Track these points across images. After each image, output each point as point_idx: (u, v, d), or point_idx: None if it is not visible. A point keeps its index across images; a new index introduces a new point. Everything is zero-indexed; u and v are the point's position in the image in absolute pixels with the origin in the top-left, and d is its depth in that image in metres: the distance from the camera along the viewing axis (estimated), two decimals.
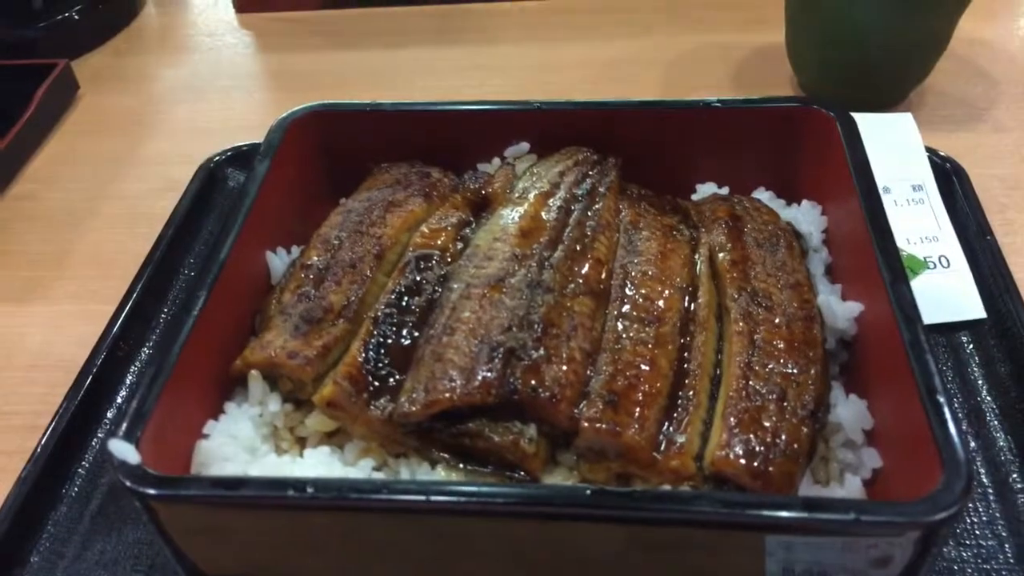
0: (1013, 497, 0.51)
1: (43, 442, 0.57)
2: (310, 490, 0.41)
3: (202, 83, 0.97)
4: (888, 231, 0.52)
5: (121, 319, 0.64)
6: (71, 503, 0.55)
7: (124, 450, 0.42)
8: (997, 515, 0.51)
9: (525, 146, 0.64)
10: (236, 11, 1.06)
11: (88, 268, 0.74)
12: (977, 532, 0.50)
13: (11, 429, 0.61)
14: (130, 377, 0.63)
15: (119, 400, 0.61)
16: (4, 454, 0.59)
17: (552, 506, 0.41)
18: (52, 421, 0.58)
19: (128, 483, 0.42)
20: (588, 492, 0.40)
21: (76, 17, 1.00)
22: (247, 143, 0.79)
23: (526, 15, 1.02)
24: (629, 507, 0.40)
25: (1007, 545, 0.49)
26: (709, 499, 0.40)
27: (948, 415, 0.41)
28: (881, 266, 0.49)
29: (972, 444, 0.55)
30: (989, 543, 0.50)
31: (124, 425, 0.43)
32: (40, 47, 0.98)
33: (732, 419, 0.47)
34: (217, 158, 0.78)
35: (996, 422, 0.55)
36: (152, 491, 0.42)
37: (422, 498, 0.40)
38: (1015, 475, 0.52)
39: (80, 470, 0.57)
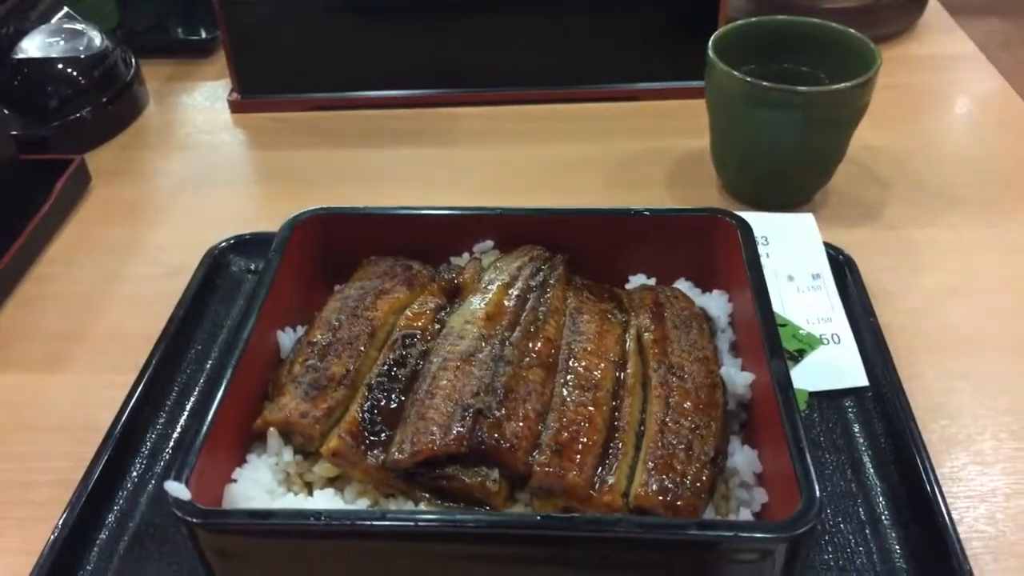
0: (885, 531, 0.60)
1: (77, 493, 0.62)
2: (324, 518, 0.48)
3: (202, 177, 1.02)
4: (771, 316, 0.58)
5: (141, 386, 0.70)
6: (102, 546, 0.60)
7: (177, 489, 0.49)
8: (872, 547, 0.59)
9: (490, 243, 0.70)
10: (231, 112, 1.13)
11: (105, 342, 0.80)
12: (856, 561, 0.58)
13: (45, 483, 0.66)
14: (152, 435, 0.68)
15: (141, 457, 0.66)
16: (41, 504, 0.64)
17: (511, 528, 0.49)
18: (84, 475, 0.63)
19: (180, 514, 0.48)
20: (538, 517, 0.50)
21: (88, 117, 1.06)
22: (248, 232, 0.86)
23: (485, 120, 1.08)
24: (570, 528, 0.49)
25: (879, 570, 0.57)
26: (628, 521, 0.49)
27: (808, 458, 0.49)
28: (764, 344, 0.57)
29: (853, 488, 0.62)
30: (866, 570, 0.57)
31: (174, 470, 0.51)
32: (51, 143, 1.03)
33: (651, 463, 0.54)
34: (222, 245, 0.85)
35: (873, 471, 0.63)
36: (199, 520, 0.48)
37: (412, 523, 0.49)
38: (886, 513, 0.61)
39: (110, 518, 0.62)
